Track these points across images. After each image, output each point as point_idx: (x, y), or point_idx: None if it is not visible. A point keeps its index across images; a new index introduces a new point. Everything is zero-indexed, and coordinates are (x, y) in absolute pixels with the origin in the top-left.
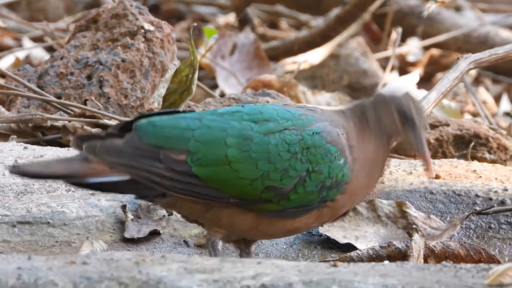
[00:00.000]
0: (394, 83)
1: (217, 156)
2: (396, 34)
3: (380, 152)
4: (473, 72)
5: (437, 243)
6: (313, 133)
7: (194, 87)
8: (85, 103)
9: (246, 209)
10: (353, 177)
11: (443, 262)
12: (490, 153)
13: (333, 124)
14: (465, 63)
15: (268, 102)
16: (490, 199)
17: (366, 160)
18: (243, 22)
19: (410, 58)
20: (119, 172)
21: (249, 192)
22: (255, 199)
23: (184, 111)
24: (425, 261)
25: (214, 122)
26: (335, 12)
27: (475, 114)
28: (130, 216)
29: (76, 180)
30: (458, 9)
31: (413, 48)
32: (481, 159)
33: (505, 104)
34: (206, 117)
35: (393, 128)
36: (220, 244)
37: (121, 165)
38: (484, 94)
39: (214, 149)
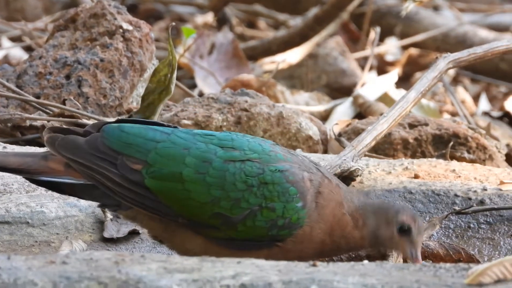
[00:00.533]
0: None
1: (172, 172)
2: (374, 33)
3: (351, 237)
4: (452, 72)
5: None
6: (275, 169)
7: (172, 87)
8: (64, 102)
9: (196, 232)
10: (308, 225)
11: (423, 262)
12: (469, 152)
13: (302, 168)
14: (444, 62)
15: (247, 101)
16: (469, 198)
17: (333, 220)
18: (221, 21)
19: (389, 58)
20: (73, 173)
21: (197, 214)
22: (203, 223)
23: (164, 125)
24: (405, 260)
25: (181, 140)
26: (313, 11)
27: (454, 114)
28: (109, 216)
29: (29, 176)
30: (436, 8)
31: (391, 47)
32: (460, 159)
33: (483, 104)
34: (177, 134)
35: (387, 242)
36: None
37: (76, 163)
38: (462, 93)
39: (171, 165)
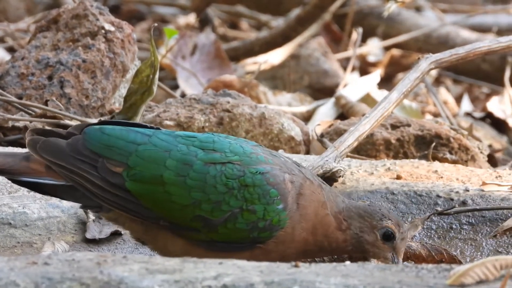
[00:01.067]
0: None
1: (153, 175)
2: (356, 34)
3: (334, 237)
4: (434, 73)
5: None
6: (256, 171)
7: (155, 88)
8: (46, 103)
9: (177, 234)
10: (290, 225)
11: (405, 263)
12: (451, 153)
13: (284, 170)
14: (426, 63)
15: (229, 102)
16: (452, 199)
17: (315, 219)
18: (204, 22)
19: (371, 59)
20: (54, 174)
21: (178, 217)
22: (184, 225)
23: (147, 126)
24: None
25: (162, 142)
26: (295, 12)
27: (436, 115)
28: (91, 217)
29: (10, 177)
30: (418, 9)
31: (373, 48)
32: (443, 160)
33: (466, 105)
34: (158, 136)
35: (369, 248)
36: None
37: (57, 166)
38: (445, 94)
39: (152, 167)
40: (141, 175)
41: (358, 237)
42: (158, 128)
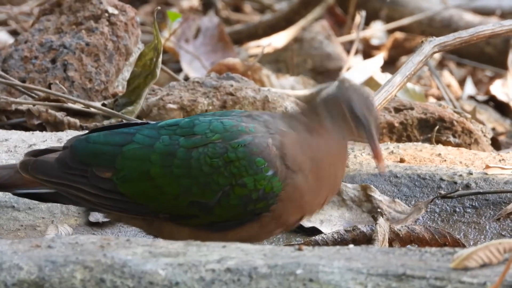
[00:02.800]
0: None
1: (140, 172)
2: (360, 17)
3: (336, 151)
4: (437, 56)
5: (402, 226)
6: (238, 145)
7: (158, 71)
8: (49, 87)
9: (179, 224)
10: (289, 185)
11: (408, 246)
12: (454, 136)
13: (265, 135)
14: (429, 46)
15: (232, 85)
16: (455, 182)
17: (315, 164)
18: (207, 5)
19: (374, 42)
20: (49, 184)
21: (174, 207)
22: (183, 214)
23: (137, 123)
24: (390, 244)
25: (145, 138)
26: None
27: (439, 98)
28: None
29: (6, 190)
30: None
31: (377, 31)
32: (446, 143)
33: (469, 88)
34: (141, 132)
35: (347, 126)
36: None
37: (50, 183)
38: (448, 77)
39: (138, 165)
40: (130, 175)
41: (334, 126)
42: (147, 123)
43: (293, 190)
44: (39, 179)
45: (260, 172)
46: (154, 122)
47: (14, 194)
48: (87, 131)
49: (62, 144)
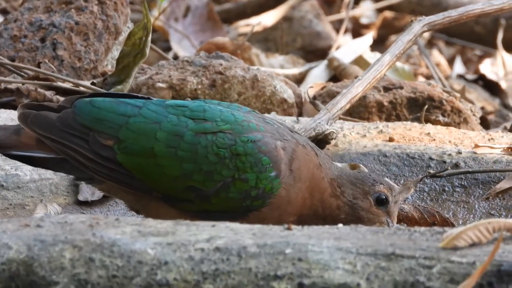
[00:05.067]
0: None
1: (144, 147)
2: None
3: (330, 205)
4: (427, 35)
5: None
6: (248, 140)
7: (147, 50)
8: (38, 65)
9: (170, 205)
10: (284, 191)
11: (397, 225)
12: (444, 115)
13: (276, 137)
14: (419, 25)
15: (221, 64)
16: (444, 162)
17: (312, 179)
18: None
19: (364, 21)
20: (45, 148)
21: (171, 189)
22: (177, 197)
23: (138, 96)
24: None
25: (153, 113)
26: None
27: (428, 77)
28: None
29: (0, 150)
30: None
31: (366, 10)
32: (435, 122)
33: (458, 67)
34: (148, 107)
35: (363, 214)
36: None
37: (48, 140)
38: (437, 56)
39: (143, 140)
40: (132, 148)
41: (352, 204)
42: (149, 98)
43: (286, 196)
44: (37, 134)
45: (264, 171)
46: (160, 100)
47: (7, 155)
48: (84, 94)
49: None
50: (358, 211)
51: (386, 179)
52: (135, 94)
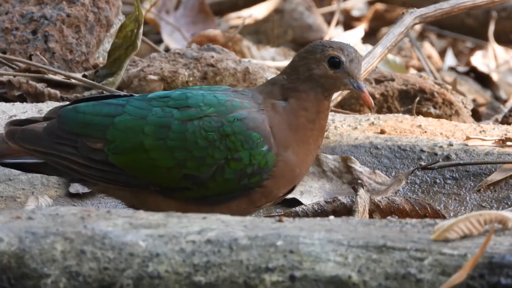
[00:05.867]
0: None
1: (134, 144)
2: None
3: (314, 113)
4: (418, 27)
5: (382, 198)
6: (234, 119)
7: (139, 42)
8: (30, 58)
9: (168, 196)
10: (281, 161)
11: (389, 217)
12: (435, 108)
13: (259, 110)
14: (410, 17)
15: (213, 57)
16: (435, 154)
17: (299, 136)
18: None
19: (355, 13)
20: (36, 154)
21: (167, 180)
22: (175, 187)
23: (121, 95)
24: (371, 216)
25: (137, 109)
26: None
27: (420, 69)
28: None
29: None
30: None
31: (357, 2)
32: (426, 114)
33: (450, 59)
34: (132, 104)
35: (326, 78)
36: None
37: (38, 153)
38: (429, 49)
39: (131, 137)
40: (122, 146)
41: (311, 76)
42: (132, 95)
43: (285, 166)
44: (27, 149)
45: (256, 146)
46: (142, 94)
47: (1, 164)
48: (67, 102)
49: (43, 115)
50: (318, 79)
51: (338, 41)
52: (118, 93)
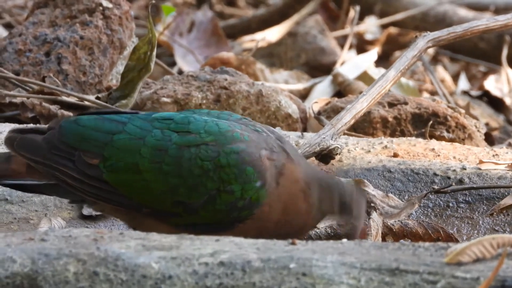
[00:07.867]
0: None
1: (129, 164)
2: (354, 12)
3: (309, 214)
4: (431, 51)
5: (395, 221)
6: (230, 151)
7: (152, 64)
8: (43, 80)
9: (160, 220)
10: (267, 204)
11: (401, 241)
12: (448, 131)
13: (261, 146)
14: (423, 41)
15: (226, 79)
16: (448, 177)
17: (289, 198)
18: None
19: (368, 37)
20: (35, 175)
21: (158, 204)
22: (166, 211)
23: (126, 112)
24: (383, 239)
25: (137, 129)
26: None
27: (433, 93)
28: None
29: None
30: None
31: (371, 26)
32: (440, 138)
33: (463, 83)
34: (134, 122)
35: (330, 209)
36: None
37: (34, 162)
38: (442, 72)
39: (127, 156)
40: (117, 165)
41: (319, 207)
42: (136, 113)
43: (268, 210)
44: (24, 157)
45: (249, 181)
46: (148, 113)
47: (1, 184)
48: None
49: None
50: (324, 213)
51: (357, 191)
52: (124, 110)
